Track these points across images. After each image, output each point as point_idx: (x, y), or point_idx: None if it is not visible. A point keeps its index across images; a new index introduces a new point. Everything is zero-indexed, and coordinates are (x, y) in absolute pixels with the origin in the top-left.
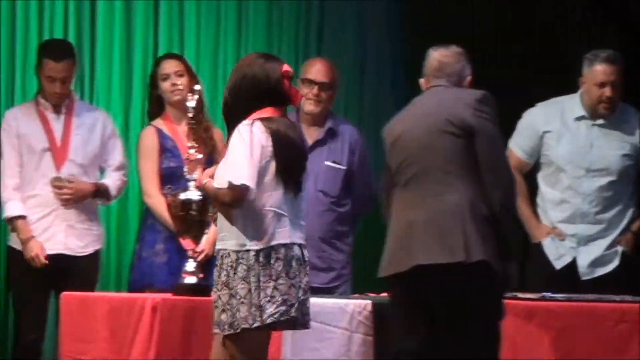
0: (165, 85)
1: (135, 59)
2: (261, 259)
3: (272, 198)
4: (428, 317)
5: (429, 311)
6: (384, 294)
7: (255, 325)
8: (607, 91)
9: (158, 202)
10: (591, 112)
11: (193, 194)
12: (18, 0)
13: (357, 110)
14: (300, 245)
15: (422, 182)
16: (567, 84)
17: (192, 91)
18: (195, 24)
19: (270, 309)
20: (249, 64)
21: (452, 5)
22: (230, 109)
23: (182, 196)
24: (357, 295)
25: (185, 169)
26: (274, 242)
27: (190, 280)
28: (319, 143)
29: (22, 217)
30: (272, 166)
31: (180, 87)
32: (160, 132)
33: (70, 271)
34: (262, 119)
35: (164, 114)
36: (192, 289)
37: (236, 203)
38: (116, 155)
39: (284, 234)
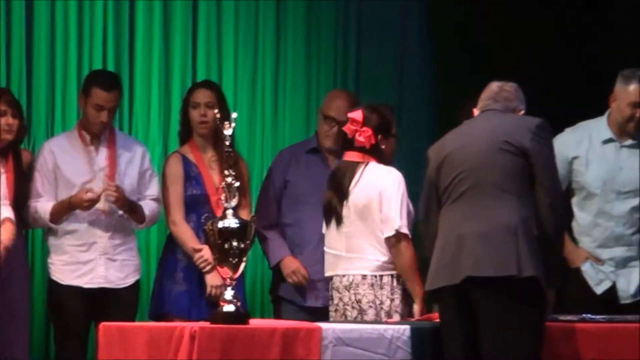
0: (194, 114)
1: (173, 86)
2: None
3: None
4: (472, 330)
5: (475, 323)
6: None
7: None
8: (639, 112)
9: (182, 230)
10: (619, 132)
11: (231, 222)
12: (57, 31)
13: None
14: None
15: (475, 196)
16: None
17: (228, 119)
18: (233, 50)
19: None
20: None
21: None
22: None
23: (220, 224)
24: (393, 320)
25: (222, 197)
26: None
27: (229, 308)
28: None
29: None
30: None
31: (207, 120)
32: (184, 159)
33: (111, 303)
34: None
35: (191, 140)
36: (230, 317)
37: None
38: (152, 189)
39: None
